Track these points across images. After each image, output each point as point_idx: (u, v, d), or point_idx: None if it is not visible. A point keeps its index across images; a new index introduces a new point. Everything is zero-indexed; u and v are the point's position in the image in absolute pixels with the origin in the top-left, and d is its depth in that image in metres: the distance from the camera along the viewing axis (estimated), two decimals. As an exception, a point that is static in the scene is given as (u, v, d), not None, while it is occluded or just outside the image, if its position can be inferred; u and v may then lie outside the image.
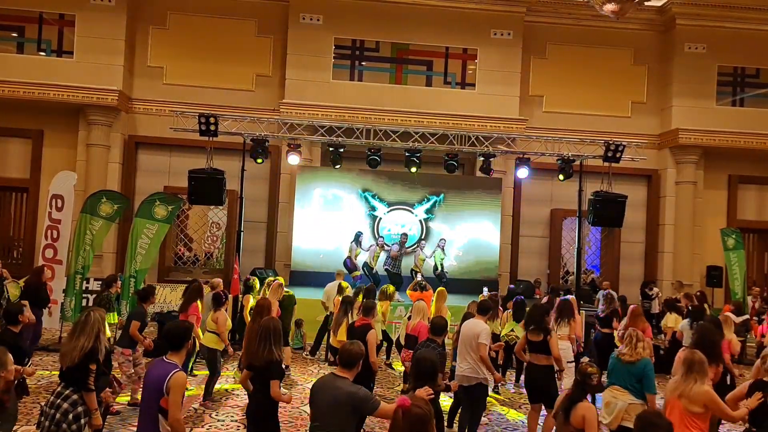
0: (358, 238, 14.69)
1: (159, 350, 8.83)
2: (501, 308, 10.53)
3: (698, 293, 13.81)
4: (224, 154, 14.14)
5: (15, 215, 16.36)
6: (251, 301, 9.71)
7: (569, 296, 10.37)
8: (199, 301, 8.78)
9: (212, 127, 12.64)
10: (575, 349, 9.13)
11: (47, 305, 10.61)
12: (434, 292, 11.00)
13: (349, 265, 14.36)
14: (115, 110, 15.59)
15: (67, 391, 4.97)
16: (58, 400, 4.93)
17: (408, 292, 12.04)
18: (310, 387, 4.56)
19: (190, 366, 9.23)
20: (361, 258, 14.62)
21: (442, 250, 15.07)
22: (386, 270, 14.40)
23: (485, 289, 12.34)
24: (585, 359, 6.13)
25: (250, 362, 5.38)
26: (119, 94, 15.35)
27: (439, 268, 14.82)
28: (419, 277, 12.61)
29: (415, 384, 4.71)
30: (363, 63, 16.55)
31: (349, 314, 8.70)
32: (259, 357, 5.24)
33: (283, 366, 7.15)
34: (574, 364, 8.63)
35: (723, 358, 6.78)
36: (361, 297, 9.80)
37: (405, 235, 15.06)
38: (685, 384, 4.84)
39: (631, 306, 9.17)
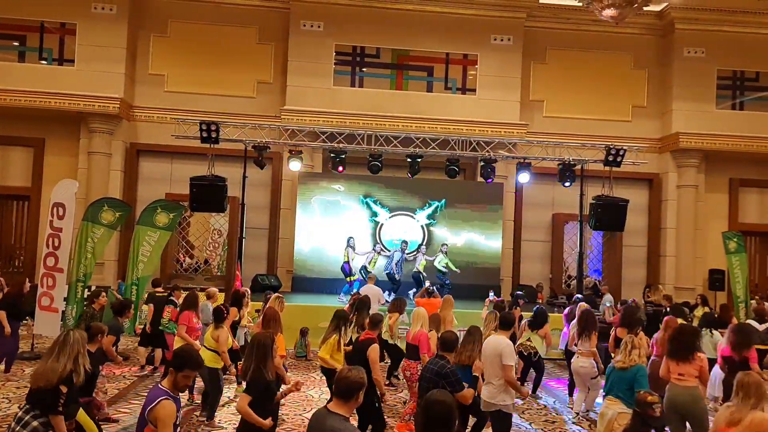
0: (349, 243, 14.71)
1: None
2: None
3: (699, 297, 13.80)
4: (226, 161, 14.17)
5: (16, 223, 16.38)
6: (236, 315, 9.21)
7: (583, 303, 9.95)
8: (194, 311, 8.45)
9: (213, 134, 12.68)
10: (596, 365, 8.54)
11: (25, 317, 10.57)
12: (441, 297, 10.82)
13: (347, 269, 14.42)
14: (117, 118, 15.62)
15: (28, 417, 4.57)
16: (18, 427, 4.54)
17: (416, 299, 11.79)
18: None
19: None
20: (357, 262, 14.63)
21: (445, 254, 15.08)
22: (387, 275, 14.42)
23: (491, 293, 12.26)
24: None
25: (243, 379, 5.13)
26: (120, 102, 15.38)
27: (444, 270, 14.83)
28: (427, 284, 12.53)
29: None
30: (364, 69, 16.59)
31: (342, 330, 7.57)
32: (246, 373, 5.03)
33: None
34: (598, 378, 8.40)
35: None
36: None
37: (405, 242, 15.07)
38: (739, 411, 4.31)
39: (666, 317, 8.55)
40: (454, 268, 14.96)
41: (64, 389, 4.68)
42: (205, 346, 7.66)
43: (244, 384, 8.58)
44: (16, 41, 15.84)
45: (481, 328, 7.70)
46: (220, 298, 14.06)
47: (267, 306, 8.16)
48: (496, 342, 6.22)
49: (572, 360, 8.56)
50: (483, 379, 6.32)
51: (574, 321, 8.87)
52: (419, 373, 6.34)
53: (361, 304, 8.97)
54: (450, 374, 5.49)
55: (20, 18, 15.54)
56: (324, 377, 7.93)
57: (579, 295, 12.26)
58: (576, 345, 8.55)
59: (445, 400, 3.72)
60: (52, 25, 15.68)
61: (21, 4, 15.40)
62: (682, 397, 6.08)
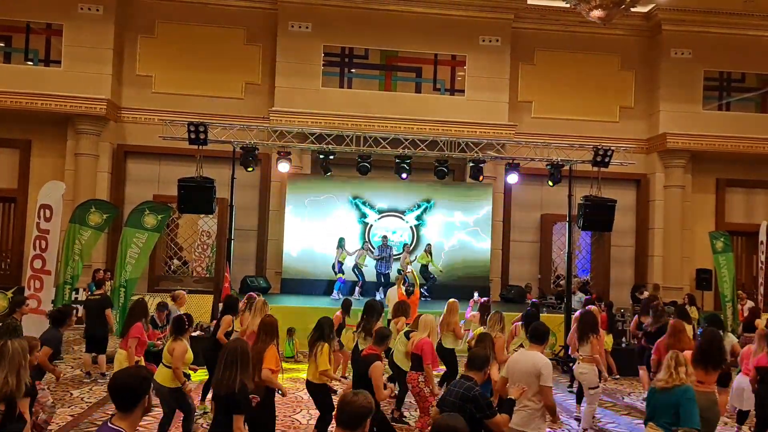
0: (341, 243, 14.74)
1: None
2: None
3: (687, 296, 13.90)
4: (214, 162, 14.10)
5: (3, 226, 16.23)
6: (230, 325, 8.35)
7: (591, 306, 9.57)
8: (143, 321, 7.62)
9: (201, 136, 12.58)
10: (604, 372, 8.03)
11: None
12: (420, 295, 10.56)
13: (337, 268, 14.49)
14: (104, 119, 15.52)
15: None
16: None
17: (398, 295, 11.28)
18: None
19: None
20: (348, 262, 14.79)
21: (428, 254, 15.15)
22: (383, 274, 14.56)
23: (476, 294, 12.23)
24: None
25: (214, 391, 4.65)
26: (108, 103, 15.28)
27: (429, 269, 14.92)
28: (409, 269, 12.40)
29: None
30: (352, 70, 16.58)
31: (330, 339, 6.60)
32: (222, 386, 4.56)
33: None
34: (598, 390, 7.85)
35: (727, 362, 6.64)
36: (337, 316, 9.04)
37: (385, 237, 15.14)
38: None
39: (672, 320, 8.03)
40: (435, 268, 15.15)
41: (2, 408, 4.10)
42: (163, 363, 6.50)
43: (207, 402, 7.69)
44: (1, 42, 15.71)
45: (471, 329, 7.42)
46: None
47: (267, 314, 7.14)
48: (533, 359, 5.33)
49: (574, 366, 8.00)
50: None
51: (574, 326, 8.45)
52: (440, 394, 5.56)
53: (370, 308, 8.33)
54: (478, 397, 4.66)
55: (5, 18, 15.42)
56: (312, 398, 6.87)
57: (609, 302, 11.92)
58: (577, 350, 7.97)
59: (455, 426, 3.51)
60: (38, 26, 15.56)
61: (6, 5, 15.27)
62: (701, 402, 5.69)
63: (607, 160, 13.32)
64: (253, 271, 16.14)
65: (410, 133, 14.59)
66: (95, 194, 14.78)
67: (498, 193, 16.75)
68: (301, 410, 8.40)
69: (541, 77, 17.12)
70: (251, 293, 10.09)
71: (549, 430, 7.46)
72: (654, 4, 16.33)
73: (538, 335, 5.61)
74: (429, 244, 15.47)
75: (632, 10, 11.11)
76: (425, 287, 14.66)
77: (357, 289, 14.58)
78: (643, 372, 9.93)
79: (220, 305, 12.16)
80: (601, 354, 7.98)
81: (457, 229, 16.43)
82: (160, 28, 16.28)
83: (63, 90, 15.02)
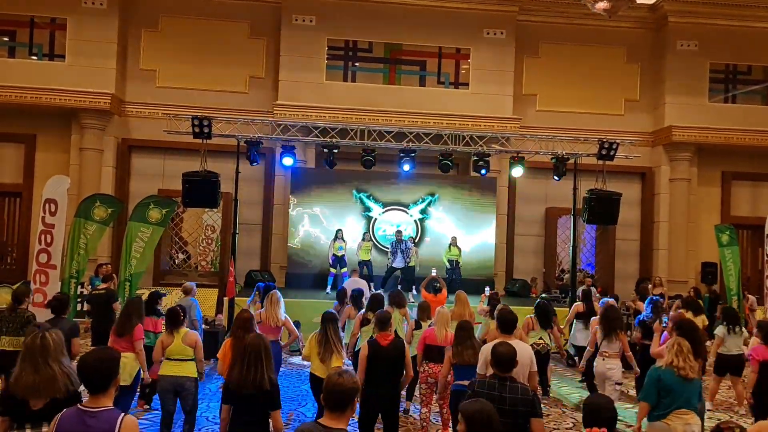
0: (338, 235, 14.70)
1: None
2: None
3: (693, 290, 13.85)
4: (218, 156, 14.10)
5: (8, 220, 16.28)
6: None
7: (609, 299, 9.20)
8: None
9: (206, 130, 12.60)
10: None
11: None
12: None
13: (332, 262, 14.47)
14: (108, 114, 15.53)
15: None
16: None
17: (422, 289, 11.20)
18: None
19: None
20: (350, 253, 14.73)
21: (455, 246, 14.89)
22: (396, 268, 14.44)
23: (487, 288, 12.18)
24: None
25: (238, 391, 4.62)
26: (112, 98, 15.29)
27: (455, 263, 14.72)
28: (433, 272, 12.38)
29: None
30: (356, 63, 16.54)
31: (329, 332, 6.52)
32: (249, 383, 4.56)
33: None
34: (621, 385, 7.67)
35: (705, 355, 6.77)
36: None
37: (399, 231, 15.01)
38: None
39: (672, 314, 8.05)
40: (455, 262, 14.90)
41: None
42: (180, 359, 6.41)
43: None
44: (5, 36, 15.73)
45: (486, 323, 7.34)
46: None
47: (243, 309, 7.18)
48: (526, 349, 5.47)
49: (595, 363, 7.63)
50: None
51: (594, 319, 8.28)
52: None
53: (356, 300, 8.66)
54: (536, 400, 4.44)
55: (9, 13, 15.42)
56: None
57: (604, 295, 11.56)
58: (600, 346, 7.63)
59: (481, 409, 3.55)
60: (42, 21, 15.56)
61: (10, 0, 15.28)
62: None
63: (612, 153, 13.28)
64: (257, 265, 16.16)
65: (414, 126, 14.56)
66: (100, 189, 14.79)
67: (502, 186, 16.72)
68: (307, 404, 8.42)
69: (545, 70, 17.05)
70: (259, 284, 10.09)
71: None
72: (660, -4, 16.23)
73: (507, 324, 5.65)
74: (454, 237, 15.13)
75: (638, 1, 11.06)
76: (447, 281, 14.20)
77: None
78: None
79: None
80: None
81: (461, 223, 16.39)
82: (164, 22, 16.26)
83: (67, 84, 15.03)
